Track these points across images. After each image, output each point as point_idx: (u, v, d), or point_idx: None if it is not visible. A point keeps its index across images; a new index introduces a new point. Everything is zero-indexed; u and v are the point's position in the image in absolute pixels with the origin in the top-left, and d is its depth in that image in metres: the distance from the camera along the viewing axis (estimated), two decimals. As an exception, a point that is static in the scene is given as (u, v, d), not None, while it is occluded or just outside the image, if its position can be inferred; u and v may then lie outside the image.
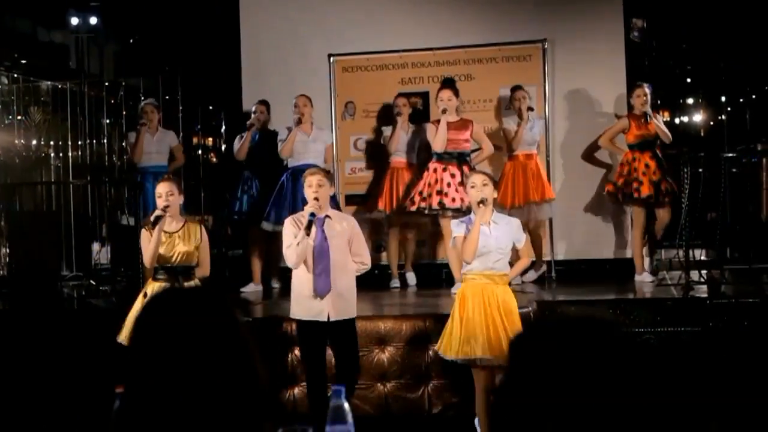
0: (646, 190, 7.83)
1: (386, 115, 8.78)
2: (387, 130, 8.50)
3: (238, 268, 8.84)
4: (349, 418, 2.43)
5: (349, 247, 5.45)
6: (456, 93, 7.73)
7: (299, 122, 8.08)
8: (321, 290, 5.34)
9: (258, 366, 1.69)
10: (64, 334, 6.55)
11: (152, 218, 5.71)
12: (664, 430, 1.44)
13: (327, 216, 5.39)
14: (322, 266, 5.33)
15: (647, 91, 8.01)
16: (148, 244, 5.69)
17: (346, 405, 2.43)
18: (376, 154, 8.82)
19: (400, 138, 8.29)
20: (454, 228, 5.48)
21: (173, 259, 5.73)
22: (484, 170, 6.13)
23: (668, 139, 7.96)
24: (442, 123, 7.67)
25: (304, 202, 5.54)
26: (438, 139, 7.68)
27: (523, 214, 7.92)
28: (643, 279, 7.91)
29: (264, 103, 8.63)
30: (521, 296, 7.09)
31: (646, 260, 8.14)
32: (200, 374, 1.61)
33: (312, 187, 5.33)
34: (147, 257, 5.74)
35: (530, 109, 8.12)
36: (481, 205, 5.33)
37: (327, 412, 2.50)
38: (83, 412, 5.33)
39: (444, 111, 7.65)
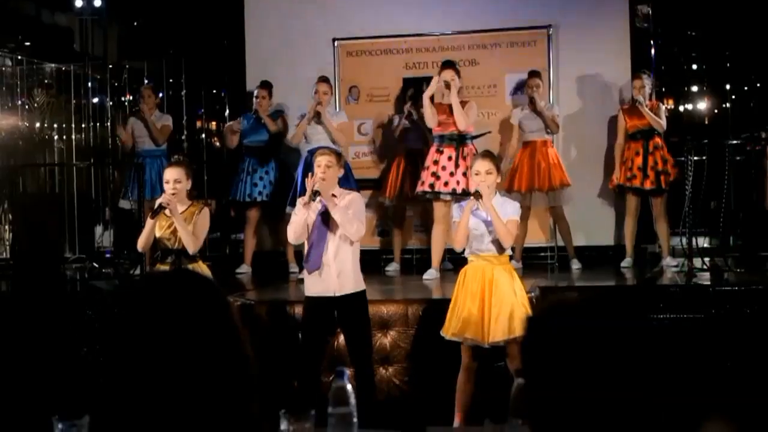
0: (637, 182, 7.87)
1: (390, 101, 8.79)
2: (395, 119, 8.46)
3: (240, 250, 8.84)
4: (352, 399, 2.44)
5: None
6: (458, 73, 7.57)
7: (313, 111, 7.84)
8: (311, 266, 5.30)
9: (246, 348, 1.68)
10: (67, 316, 6.56)
11: (155, 206, 5.63)
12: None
13: (333, 195, 5.27)
14: (315, 240, 5.27)
15: (645, 82, 8.00)
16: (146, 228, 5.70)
17: (349, 387, 2.44)
18: (381, 138, 8.82)
19: (403, 126, 8.25)
20: (454, 213, 5.41)
21: (172, 242, 5.67)
22: (489, 156, 5.47)
23: (661, 128, 7.94)
24: (425, 99, 7.51)
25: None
26: (426, 116, 7.54)
27: (538, 199, 8.16)
28: (668, 263, 7.86)
29: (266, 86, 8.46)
30: (525, 281, 7.10)
31: (666, 245, 8.05)
32: (187, 356, 1.61)
33: (320, 167, 5.26)
34: (139, 242, 5.75)
35: (532, 100, 8.05)
36: (474, 197, 5.20)
37: (325, 398, 2.51)
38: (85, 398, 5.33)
39: (447, 86, 7.44)
